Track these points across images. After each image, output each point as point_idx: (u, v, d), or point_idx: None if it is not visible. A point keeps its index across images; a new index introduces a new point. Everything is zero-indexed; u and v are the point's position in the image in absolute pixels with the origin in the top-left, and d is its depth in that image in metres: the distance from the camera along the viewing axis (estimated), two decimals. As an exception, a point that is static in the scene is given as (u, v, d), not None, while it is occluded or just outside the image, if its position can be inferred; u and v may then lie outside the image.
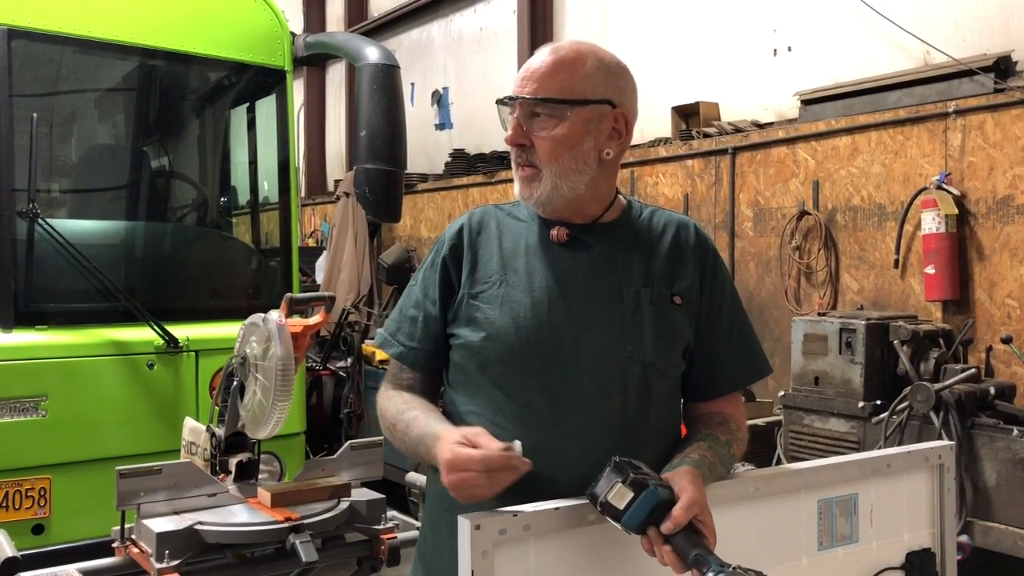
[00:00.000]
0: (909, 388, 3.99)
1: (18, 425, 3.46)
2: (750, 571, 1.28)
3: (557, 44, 1.65)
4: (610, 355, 1.57)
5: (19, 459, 3.46)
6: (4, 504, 3.41)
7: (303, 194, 11.37)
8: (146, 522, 2.44)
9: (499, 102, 1.65)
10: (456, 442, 1.40)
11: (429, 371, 1.71)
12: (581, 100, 1.58)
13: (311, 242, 10.29)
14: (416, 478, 3.56)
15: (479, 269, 1.65)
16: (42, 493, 3.50)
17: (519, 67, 6.45)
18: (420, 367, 1.71)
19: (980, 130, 4.59)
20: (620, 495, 1.34)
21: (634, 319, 1.59)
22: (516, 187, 1.65)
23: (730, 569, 1.27)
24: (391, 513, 2.81)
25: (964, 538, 3.71)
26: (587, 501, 1.40)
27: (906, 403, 3.98)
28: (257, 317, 2.70)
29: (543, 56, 1.62)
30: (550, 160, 1.59)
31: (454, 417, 1.63)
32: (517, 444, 1.40)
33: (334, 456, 2.87)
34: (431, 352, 1.69)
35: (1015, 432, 3.69)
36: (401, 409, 1.65)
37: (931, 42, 5.08)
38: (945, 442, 1.80)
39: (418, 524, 2.20)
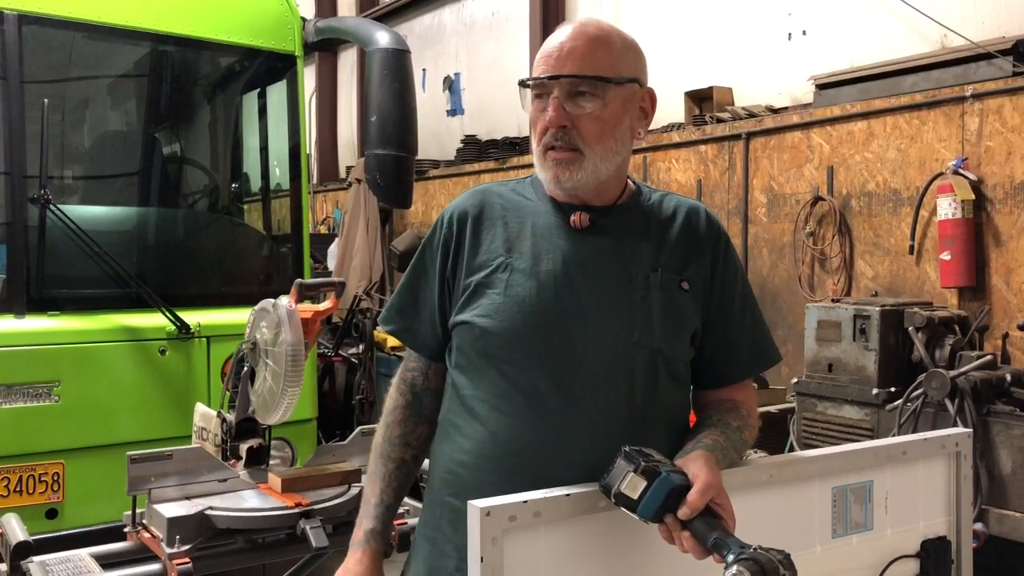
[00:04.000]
0: (924, 375, 3.96)
1: (32, 410, 3.48)
2: (771, 551, 1.25)
3: (580, 21, 1.61)
4: (617, 341, 1.54)
5: (33, 444, 3.48)
6: (18, 489, 3.44)
7: (315, 180, 11.37)
8: (157, 507, 2.45)
9: (529, 83, 1.58)
10: None
11: (428, 351, 1.70)
12: (620, 79, 1.56)
13: (323, 229, 10.30)
14: (426, 464, 3.56)
15: (481, 252, 1.62)
16: (55, 478, 3.52)
17: (531, 52, 6.40)
18: (418, 346, 1.71)
19: (998, 114, 4.53)
20: (633, 485, 1.32)
21: (643, 304, 1.56)
22: (547, 171, 1.58)
23: (750, 550, 1.25)
24: (402, 499, 2.80)
25: (979, 526, 3.69)
26: (597, 488, 1.39)
27: (921, 390, 3.95)
28: (267, 303, 2.70)
29: (572, 33, 1.57)
30: (595, 141, 1.55)
31: (460, 402, 1.61)
32: None
33: (345, 442, 2.88)
34: (427, 333, 1.68)
35: (1031, 419, 3.66)
36: (383, 429, 1.74)
37: (948, 25, 5.01)
38: (962, 429, 1.77)
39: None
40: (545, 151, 1.58)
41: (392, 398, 1.74)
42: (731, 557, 1.24)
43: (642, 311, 1.56)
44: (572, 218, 1.60)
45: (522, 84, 1.60)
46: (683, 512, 1.31)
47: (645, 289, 1.57)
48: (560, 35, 1.58)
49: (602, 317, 1.55)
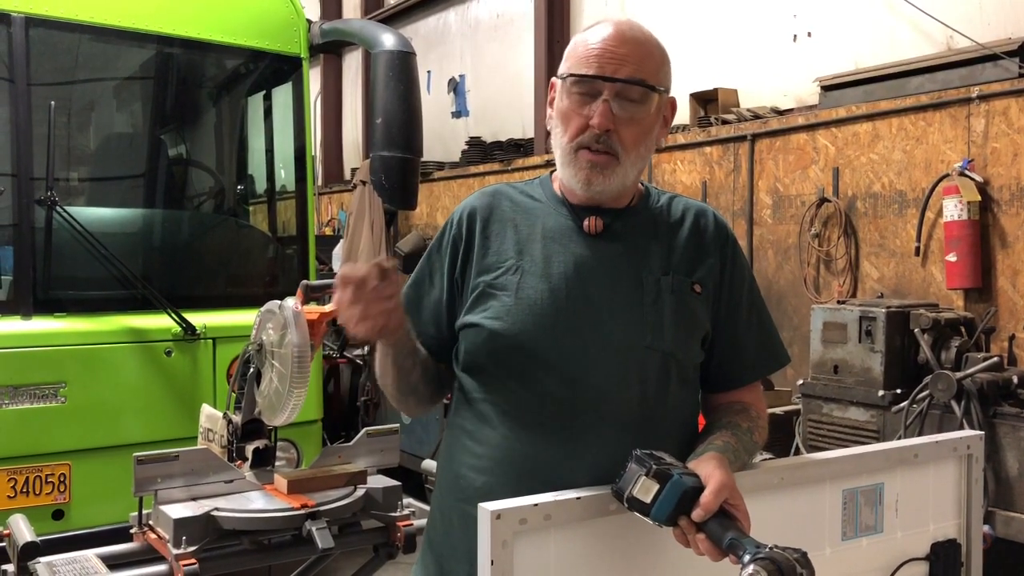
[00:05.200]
0: (930, 377, 3.95)
1: (38, 411, 3.48)
2: (788, 549, 1.24)
3: (626, 23, 1.58)
4: (630, 344, 1.54)
5: (39, 445, 3.48)
6: (25, 490, 3.44)
7: (320, 182, 11.37)
8: (163, 508, 2.45)
9: (575, 77, 1.54)
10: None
11: (432, 353, 1.68)
12: (661, 88, 1.56)
13: (328, 231, 10.30)
14: (432, 465, 3.55)
15: (491, 253, 1.61)
16: (62, 479, 3.52)
17: (536, 53, 6.37)
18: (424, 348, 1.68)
19: (1004, 115, 4.51)
20: (645, 488, 1.32)
21: (654, 308, 1.56)
22: (579, 171, 1.55)
23: (766, 550, 1.24)
24: (407, 500, 2.80)
25: (986, 528, 3.68)
26: (608, 491, 1.38)
27: (927, 392, 3.94)
28: (273, 304, 2.69)
29: (621, 36, 1.54)
30: (632, 147, 1.55)
31: (469, 405, 1.61)
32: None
33: (350, 443, 2.87)
34: (432, 335, 1.66)
35: (1038, 421, 3.65)
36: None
37: (954, 26, 5.00)
38: (974, 432, 1.77)
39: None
40: (577, 149, 1.55)
41: None
42: (747, 557, 1.23)
43: (654, 315, 1.55)
44: (586, 223, 1.60)
45: (565, 77, 1.56)
46: (697, 514, 1.31)
47: (656, 293, 1.57)
48: (606, 34, 1.55)
49: (614, 321, 1.54)
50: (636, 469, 1.33)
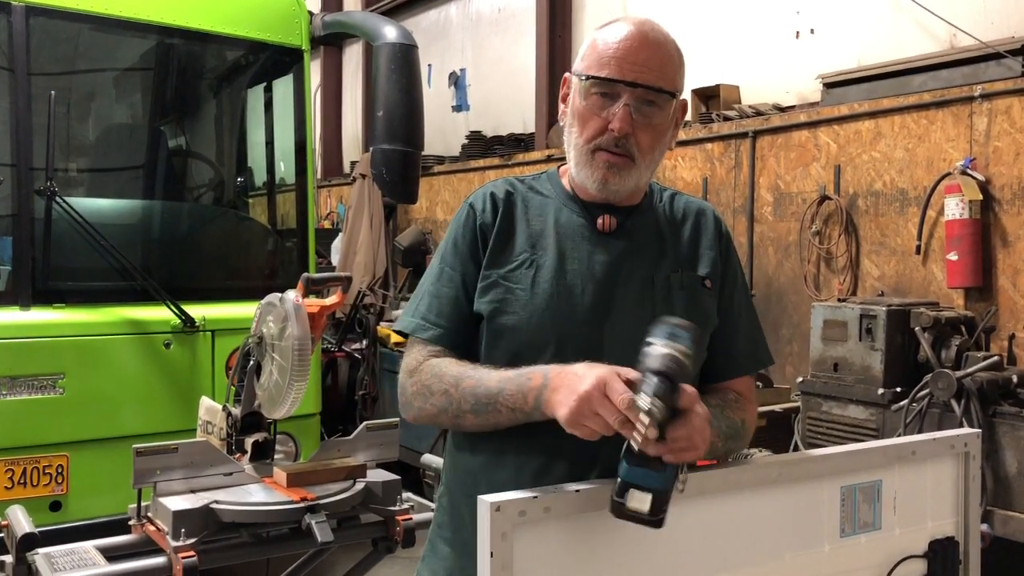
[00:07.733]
0: (930, 375, 3.95)
1: (36, 403, 3.48)
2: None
3: (648, 25, 1.56)
4: (641, 341, 1.53)
5: (37, 436, 3.48)
6: (22, 481, 3.44)
7: (319, 175, 11.36)
8: (162, 500, 2.45)
9: (595, 78, 1.52)
10: (615, 371, 1.33)
11: (457, 351, 1.61)
12: (678, 93, 1.57)
13: (327, 224, 10.30)
14: (431, 460, 3.55)
15: (505, 245, 1.60)
16: (59, 470, 3.52)
17: (538, 48, 6.35)
18: (449, 347, 1.60)
19: (1007, 114, 4.51)
20: (640, 500, 1.29)
21: (665, 305, 1.56)
22: (595, 170, 1.54)
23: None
24: (406, 494, 2.81)
25: (984, 527, 3.68)
26: (607, 483, 1.37)
27: (927, 390, 3.94)
28: (274, 297, 2.69)
29: (644, 39, 1.53)
30: (648, 150, 1.55)
31: None
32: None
33: (350, 437, 2.87)
34: (461, 332, 1.61)
35: (1037, 421, 3.65)
36: (465, 367, 1.54)
37: (958, 24, 4.99)
38: (971, 430, 1.77)
39: (433, 505, 2.18)
40: (595, 151, 1.55)
41: (439, 363, 1.57)
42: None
43: (665, 312, 1.55)
44: (599, 221, 1.60)
45: (584, 78, 1.54)
46: (685, 401, 1.31)
47: (667, 290, 1.58)
48: (627, 36, 1.54)
49: (626, 319, 1.55)
50: (622, 486, 1.30)
